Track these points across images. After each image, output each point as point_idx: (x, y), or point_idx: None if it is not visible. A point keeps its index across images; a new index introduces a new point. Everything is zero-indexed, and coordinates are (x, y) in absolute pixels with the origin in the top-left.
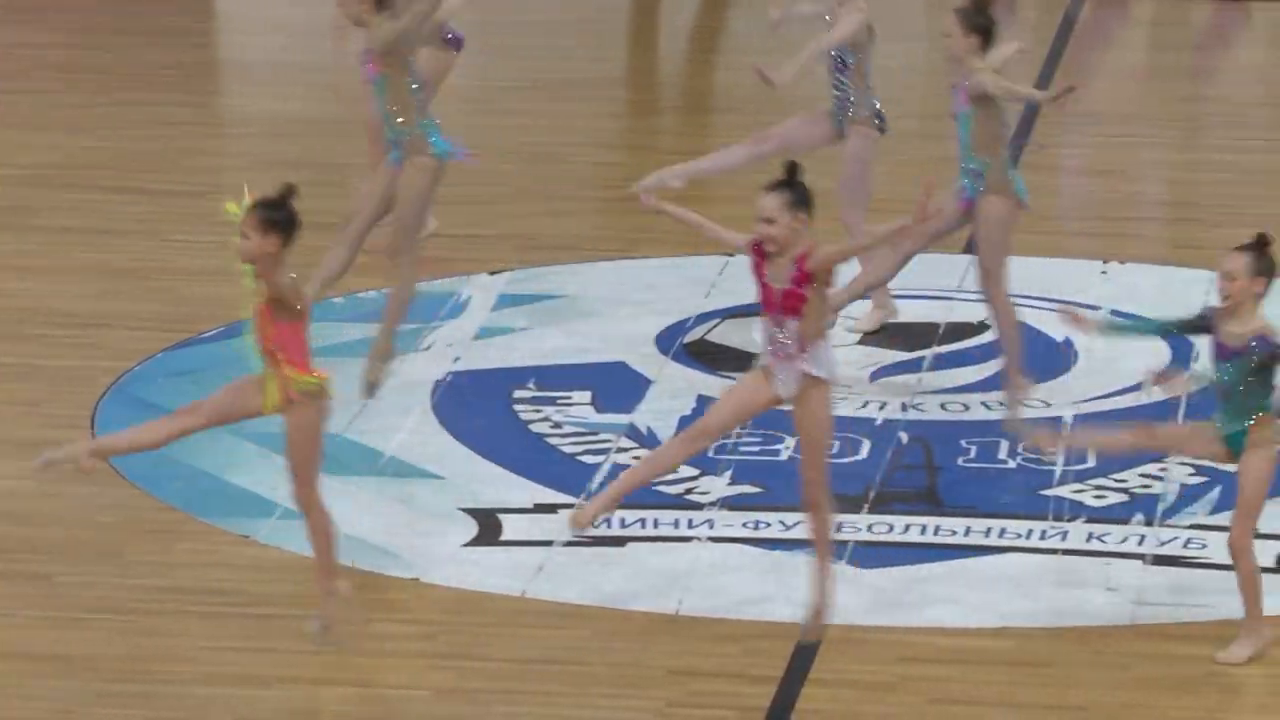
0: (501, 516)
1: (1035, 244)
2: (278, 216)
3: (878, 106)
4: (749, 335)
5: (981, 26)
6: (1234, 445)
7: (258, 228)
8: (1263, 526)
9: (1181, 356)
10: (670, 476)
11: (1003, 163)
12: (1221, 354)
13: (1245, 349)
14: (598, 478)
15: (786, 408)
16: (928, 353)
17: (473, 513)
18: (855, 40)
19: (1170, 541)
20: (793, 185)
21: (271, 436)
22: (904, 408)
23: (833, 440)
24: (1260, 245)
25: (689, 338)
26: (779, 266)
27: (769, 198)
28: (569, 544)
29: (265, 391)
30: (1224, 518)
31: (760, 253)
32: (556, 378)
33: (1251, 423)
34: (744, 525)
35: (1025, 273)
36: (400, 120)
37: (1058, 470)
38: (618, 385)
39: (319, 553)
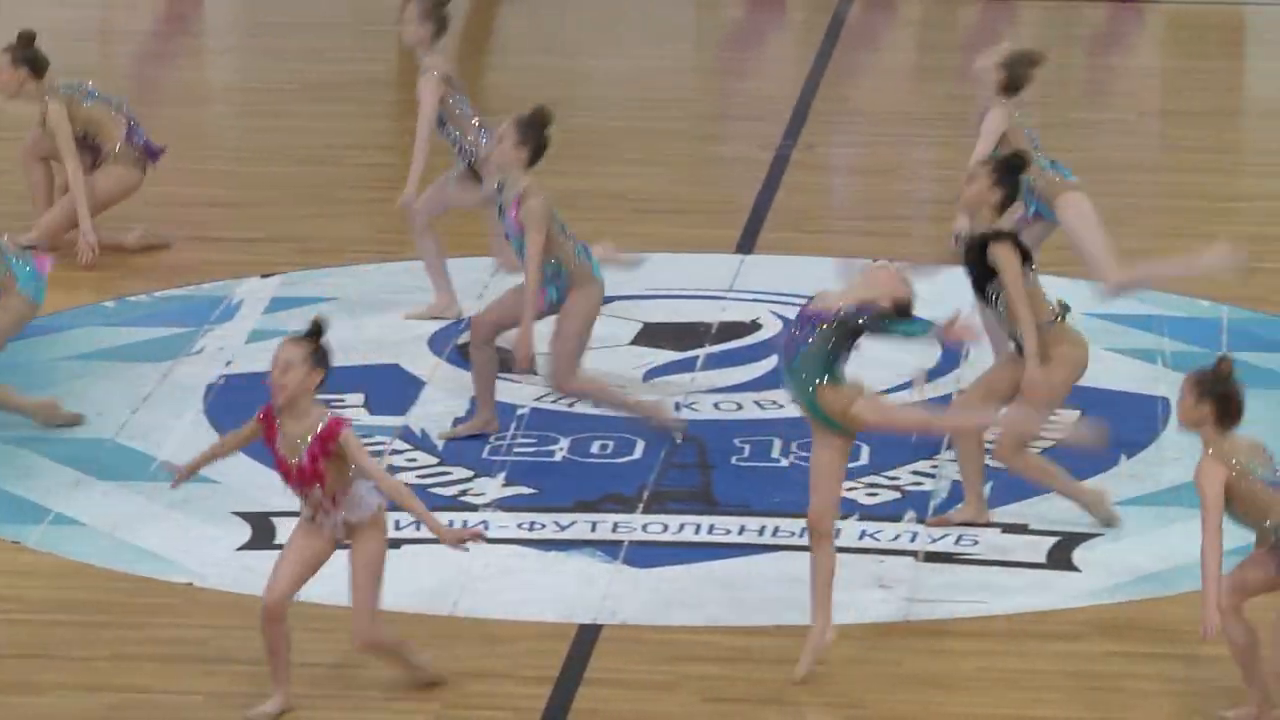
0: (275, 520)
1: (805, 244)
2: None
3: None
4: None
5: (535, 141)
6: (813, 409)
7: None
8: (1036, 523)
9: (950, 357)
10: (445, 478)
11: (573, 254)
12: (814, 320)
13: (837, 315)
14: None
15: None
16: (700, 352)
17: (246, 516)
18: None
19: (942, 539)
20: (315, 340)
21: (43, 440)
22: (677, 407)
23: (382, 573)
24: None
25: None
26: (289, 433)
27: (289, 348)
28: (342, 547)
29: None
30: (995, 514)
31: (270, 422)
32: (329, 380)
33: (815, 389)
34: (519, 526)
35: (798, 273)
36: None
37: None
38: (391, 387)
39: None
